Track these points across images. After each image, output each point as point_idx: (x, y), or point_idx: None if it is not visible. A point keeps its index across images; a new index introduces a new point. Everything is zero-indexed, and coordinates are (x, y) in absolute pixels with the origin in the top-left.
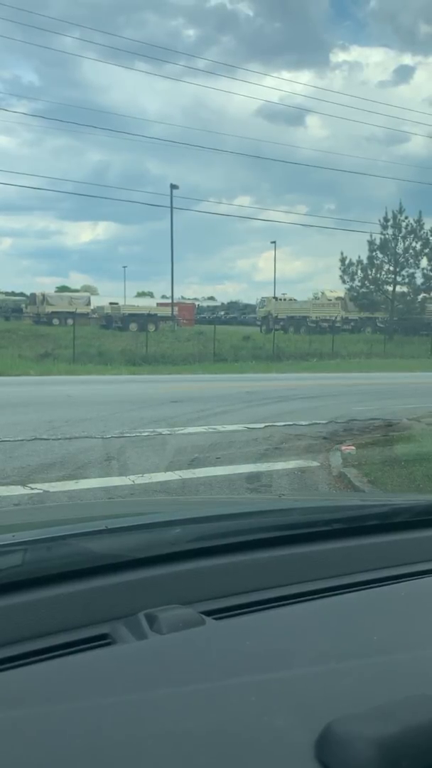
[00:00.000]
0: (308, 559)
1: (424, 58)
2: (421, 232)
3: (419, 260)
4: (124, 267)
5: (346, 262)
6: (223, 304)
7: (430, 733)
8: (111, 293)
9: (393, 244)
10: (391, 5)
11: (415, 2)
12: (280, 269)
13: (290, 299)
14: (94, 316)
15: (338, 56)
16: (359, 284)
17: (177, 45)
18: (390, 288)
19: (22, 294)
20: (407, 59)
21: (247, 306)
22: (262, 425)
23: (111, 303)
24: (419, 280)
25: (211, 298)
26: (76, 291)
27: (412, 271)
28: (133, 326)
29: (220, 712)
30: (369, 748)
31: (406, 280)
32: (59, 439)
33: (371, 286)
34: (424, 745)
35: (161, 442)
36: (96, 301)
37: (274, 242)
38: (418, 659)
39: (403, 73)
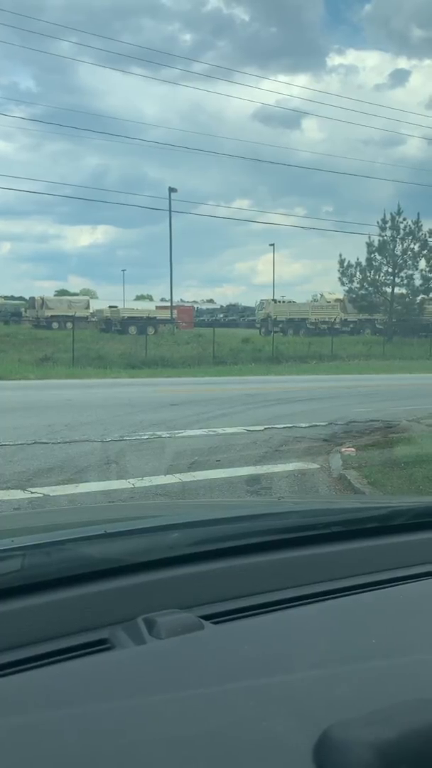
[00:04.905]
0: (307, 563)
1: (419, 61)
2: (420, 234)
3: (418, 262)
4: (123, 270)
5: (345, 264)
6: (222, 306)
7: (429, 737)
8: (110, 297)
9: (391, 246)
10: (385, 10)
11: (408, 6)
12: (279, 272)
13: (289, 301)
14: (94, 319)
15: (334, 60)
16: (358, 286)
17: (174, 49)
18: (389, 290)
19: (21, 298)
20: (402, 62)
21: (246, 309)
22: (262, 428)
23: (110, 306)
24: (418, 282)
25: (210, 301)
26: (75, 295)
27: (410, 272)
28: (132, 329)
29: (219, 717)
30: (367, 752)
31: (405, 282)
32: (59, 442)
33: (370, 288)
34: (423, 749)
35: (161, 445)
36: (95, 305)
37: (272, 245)
38: (417, 663)
39: (399, 77)
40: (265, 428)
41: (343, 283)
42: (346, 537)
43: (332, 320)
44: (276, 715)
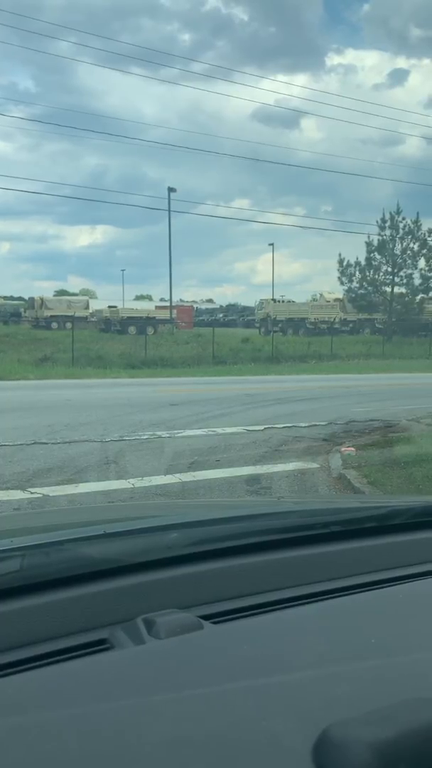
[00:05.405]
0: (306, 562)
1: (417, 60)
2: (419, 233)
3: (417, 261)
4: (123, 270)
5: (344, 263)
6: (221, 306)
7: (428, 736)
8: (109, 297)
9: (391, 246)
10: (383, 9)
11: (407, 6)
12: (279, 271)
13: (288, 301)
14: (93, 319)
15: (333, 59)
16: (357, 285)
17: (173, 49)
18: (388, 289)
19: (20, 298)
20: (401, 62)
21: (245, 308)
22: (262, 427)
23: (110, 306)
24: (417, 281)
25: (210, 301)
26: (75, 295)
27: (410, 272)
28: (131, 329)
29: (219, 717)
30: (367, 751)
31: (404, 281)
32: (59, 443)
33: (369, 288)
34: (422, 748)
35: (160, 445)
36: (94, 305)
37: (272, 244)
38: (416, 662)
39: (398, 76)
40: (265, 428)
41: (342, 283)
42: (345, 537)
43: (332, 320)
44: (275, 715)
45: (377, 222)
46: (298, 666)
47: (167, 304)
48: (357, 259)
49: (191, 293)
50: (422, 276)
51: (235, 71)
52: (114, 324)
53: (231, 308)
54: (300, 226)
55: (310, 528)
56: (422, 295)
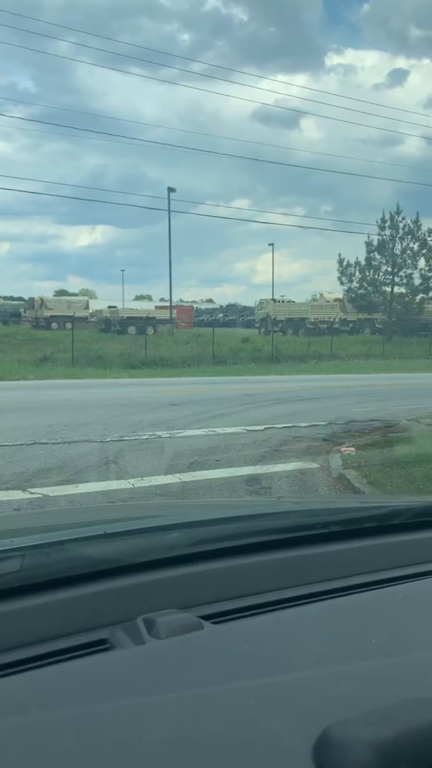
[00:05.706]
0: (307, 562)
1: (417, 60)
2: (419, 233)
3: (417, 261)
4: (122, 270)
5: (344, 263)
6: (221, 306)
7: (428, 736)
8: (109, 297)
9: (391, 246)
10: (383, 9)
11: (407, 6)
12: (279, 271)
13: (288, 301)
14: (93, 319)
15: (333, 59)
16: (357, 285)
17: (172, 49)
18: (388, 289)
19: (20, 298)
20: (401, 62)
21: (245, 308)
22: (262, 427)
23: (109, 306)
24: (417, 281)
25: (210, 301)
26: (75, 295)
27: (410, 272)
28: (131, 329)
29: (219, 717)
30: (367, 751)
31: (404, 281)
32: (59, 443)
33: (369, 288)
34: (422, 748)
35: (160, 445)
36: (94, 305)
37: (272, 244)
38: (416, 662)
39: (397, 76)
40: (265, 428)
41: (342, 283)
42: (345, 536)
43: (332, 320)
44: (275, 715)
45: (377, 222)
46: (298, 666)
47: (167, 304)
48: (357, 259)
49: (191, 293)
50: (422, 276)
51: (234, 71)
52: (114, 324)
53: (231, 308)
54: (300, 226)
55: (310, 528)
56: (422, 295)
